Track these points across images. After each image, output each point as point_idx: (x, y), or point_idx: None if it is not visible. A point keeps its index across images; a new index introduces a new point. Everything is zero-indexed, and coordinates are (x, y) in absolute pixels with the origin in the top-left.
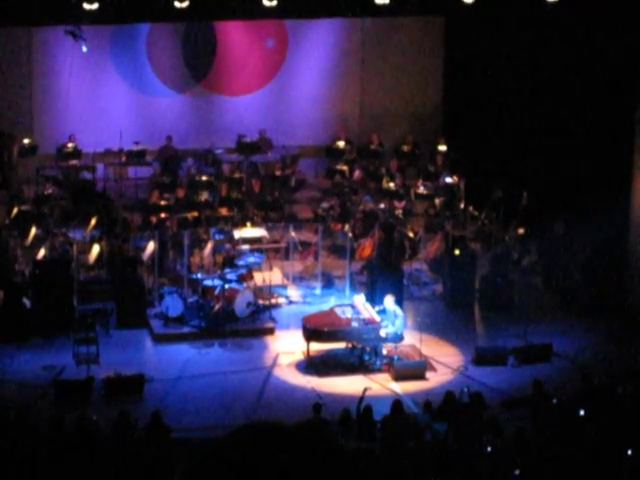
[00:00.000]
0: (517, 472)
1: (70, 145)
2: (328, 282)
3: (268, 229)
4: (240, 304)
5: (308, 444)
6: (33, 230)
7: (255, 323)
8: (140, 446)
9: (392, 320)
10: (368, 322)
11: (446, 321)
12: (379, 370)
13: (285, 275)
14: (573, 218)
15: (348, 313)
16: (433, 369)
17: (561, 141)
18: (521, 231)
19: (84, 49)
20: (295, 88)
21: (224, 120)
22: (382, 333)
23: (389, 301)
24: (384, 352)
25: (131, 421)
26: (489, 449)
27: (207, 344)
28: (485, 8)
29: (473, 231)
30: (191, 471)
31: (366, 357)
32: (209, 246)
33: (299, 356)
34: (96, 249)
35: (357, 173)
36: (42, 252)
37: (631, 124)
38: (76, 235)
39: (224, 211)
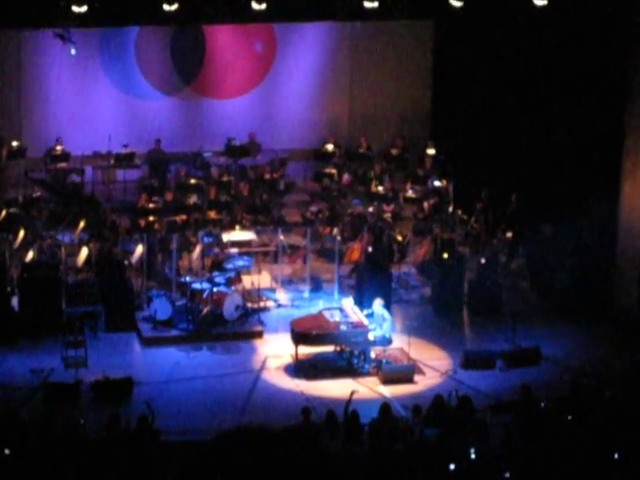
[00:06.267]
0: (507, 475)
1: (58, 148)
2: (316, 285)
3: (257, 232)
4: (228, 307)
5: (294, 448)
6: (21, 233)
7: (243, 326)
8: (130, 449)
9: (380, 323)
10: (356, 325)
11: (434, 324)
12: (367, 373)
13: (274, 278)
14: (561, 221)
15: (336, 316)
16: (421, 372)
17: (550, 144)
18: (509, 235)
19: (72, 52)
20: (284, 91)
21: (213, 123)
22: (370, 336)
23: (377, 304)
24: (372, 355)
25: (122, 424)
26: (477, 453)
27: (195, 347)
28: (474, 12)
29: (462, 234)
30: (179, 474)
31: (354, 360)
32: (198, 249)
33: (287, 359)
34: (84, 252)
35: (346, 176)
36: (30, 255)
37: (620, 128)
38: (64, 238)
39: (213, 214)
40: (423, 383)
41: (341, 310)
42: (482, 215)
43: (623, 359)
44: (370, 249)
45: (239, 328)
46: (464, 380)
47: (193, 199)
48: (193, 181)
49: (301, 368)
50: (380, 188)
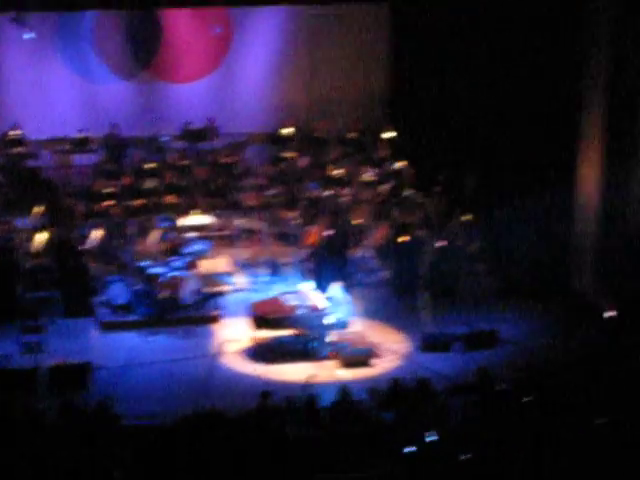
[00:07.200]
0: (463, 457)
1: (14, 133)
2: (274, 269)
3: (214, 216)
4: (186, 292)
5: (253, 432)
6: None
7: (201, 311)
8: (86, 434)
9: (338, 307)
10: (314, 309)
11: (392, 308)
12: (326, 357)
13: (232, 262)
14: (518, 205)
15: (294, 300)
16: (379, 356)
17: (507, 127)
18: (467, 218)
19: (26, 36)
20: (242, 75)
21: (170, 107)
22: (328, 320)
23: (336, 288)
24: (330, 339)
25: (76, 409)
26: (435, 435)
27: (153, 332)
28: None
29: (419, 217)
30: (137, 459)
31: (312, 344)
32: (155, 234)
33: (246, 343)
34: (41, 237)
35: (303, 160)
36: None
37: (576, 110)
38: (21, 223)
39: (170, 199)
40: (381, 366)
41: (299, 294)
42: (440, 198)
43: (578, 341)
44: (328, 233)
45: (197, 312)
46: (422, 363)
47: (150, 183)
48: (150, 165)
49: (259, 352)
50: (337, 172)
